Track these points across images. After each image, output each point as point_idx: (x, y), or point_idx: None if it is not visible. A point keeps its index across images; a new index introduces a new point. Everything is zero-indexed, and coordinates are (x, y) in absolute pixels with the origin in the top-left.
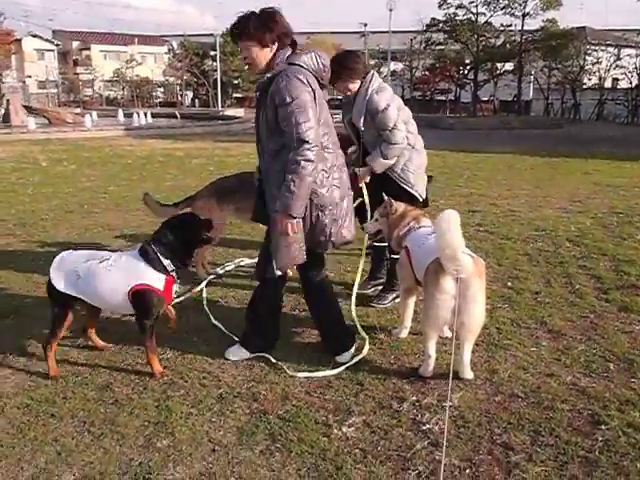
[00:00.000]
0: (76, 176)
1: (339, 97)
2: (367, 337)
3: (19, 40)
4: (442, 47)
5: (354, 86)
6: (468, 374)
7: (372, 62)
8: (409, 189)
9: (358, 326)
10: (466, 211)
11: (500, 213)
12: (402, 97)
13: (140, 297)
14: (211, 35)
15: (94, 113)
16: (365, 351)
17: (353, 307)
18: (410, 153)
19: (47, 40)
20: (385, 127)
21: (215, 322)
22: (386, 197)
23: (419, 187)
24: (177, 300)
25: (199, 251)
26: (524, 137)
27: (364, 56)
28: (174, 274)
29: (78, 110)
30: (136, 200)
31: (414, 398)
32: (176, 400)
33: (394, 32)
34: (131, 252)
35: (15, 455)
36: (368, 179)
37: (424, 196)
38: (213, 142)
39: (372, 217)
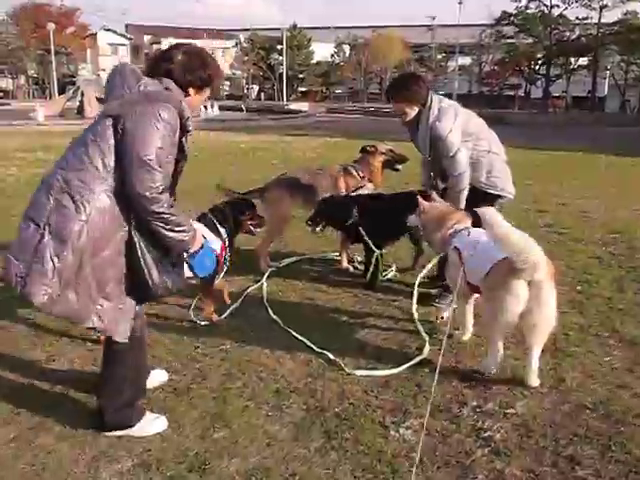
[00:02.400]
0: None
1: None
2: (427, 337)
3: (94, 34)
4: (513, 41)
5: (411, 112)
6: (534, 381)
7: (439, 56)
8: (498, 193)
9: (419, 326)
10: (535, 211)
11: (571, 214)
12: (469, 92)
13: None
14: (278, 29)
15: None
16: (426, 352)
17: (414, 307)
18: (489, 159)
19: (120, 34)
20: (447, 154)
21: (274, 316)
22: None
23: (508, 186)
24: (251, 289)
25: (261, 245)
26: (598, 135)
27: (432, 50)
28: (226, 241)
29: None
30: (203, 191)
31: (475, 403)
32: (233, 392)
33: (463, 25)
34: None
35: (79, 437)
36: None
37: (514, 192)
38: (278, 135)
39: None
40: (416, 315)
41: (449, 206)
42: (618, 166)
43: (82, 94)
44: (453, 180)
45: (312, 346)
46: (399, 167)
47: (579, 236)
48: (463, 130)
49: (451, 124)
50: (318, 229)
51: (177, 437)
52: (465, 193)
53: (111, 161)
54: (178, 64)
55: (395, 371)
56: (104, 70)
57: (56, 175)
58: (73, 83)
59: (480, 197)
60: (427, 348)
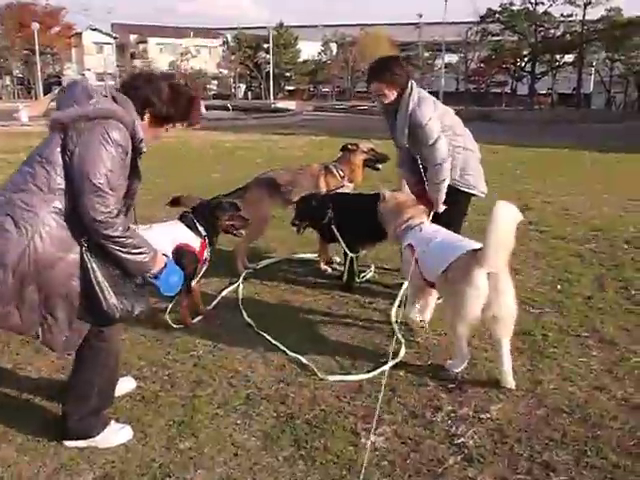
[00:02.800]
0: None
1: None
2: (404, 341)
3: (79, 34)
4: (498, 38)
5: (390, 94)
6: (509, 382)
7: (426, 54)
8: (471, 191)
9: (396, 328)
10: (518, 208)
11: (554, 211)
12: (456, 90)
13: (181, 255)
14: (264, 28)
15: None
16: (401, 355)
17: (394, 308)
18: (464, 156)
19: (106, 33)
20: (426, 142)
21: (248, 320)
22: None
23: (480, 185)
24: (226, 291)
25: (239, 246)
26: (583, 131)
27: (419, 48)
28: (207, 239)
29: None
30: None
31: (449, 408)
32: (203, 400)
33: (449, 23)
34: (169, 222)
35: (41, 449)
36: (442, 208)
37: (486, 191)
38: (263, 134)
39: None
40: (394, 317)
41: (410, 199)
42: (603, 162)
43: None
44: (433, 170)
45: (285, 350)
46: (379, 166)
47: (561, 234)
48: (441, 122)
49: (431, 112)
50: (300, 229)
51: (142, 447)
52: (446, 183)
53: (58, 183)
54: (162, 94)
55: (369, 376)
56: (89, 70)
57: (0, 195)
58: (59, 83)
59: (452, 195)
60: (403, 351)
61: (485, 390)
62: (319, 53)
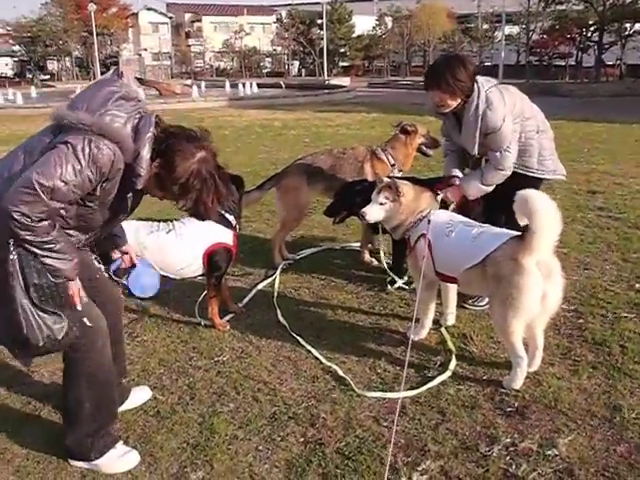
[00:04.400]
0: None
1: None
2: (454, 350)
3: (135, 14)
4: (563, 7)
5: (453, 103)
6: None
7: (486, 26)
8: (555, 176)
9: (445, 334)
10: (585, 191)
11: (627, 195)
12: (517, 63)
13: (216, 256)
14: (318, 3)
15: (203, 84)
16: (451, 368)
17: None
18: (539, 140)
19: (161, 13)
20: (497, 148)
21: (282, 320)
22: (385, 179)
23: (559, 167)
24: (258, 287)
25: (276, 236)
26: None
27: (478, 19)
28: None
29: (189, 81)
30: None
31: (508, 440)
32: (223, 417)
33: None
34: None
35: (37, 474)
36: (454, 200)
37: (565, 172)
38: (313, 112)
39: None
40: (444, 321)
41: (416, 187)
42: None
43: (121, 74)
44: (492, 173)
45: (320, 358)
46: (431, 152)
47: (637, 221)
48: (512, 112)
49: (503, 109)
50: (338, 220)
51: (149, 475)
52: (486, 190)
53: None
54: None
55: (413, 393)
56: (146, 50)
57: None
58: (117, 63)
59: (530, 184)
60: (453, 362)
61: (551, 416)
62: (374, 27)
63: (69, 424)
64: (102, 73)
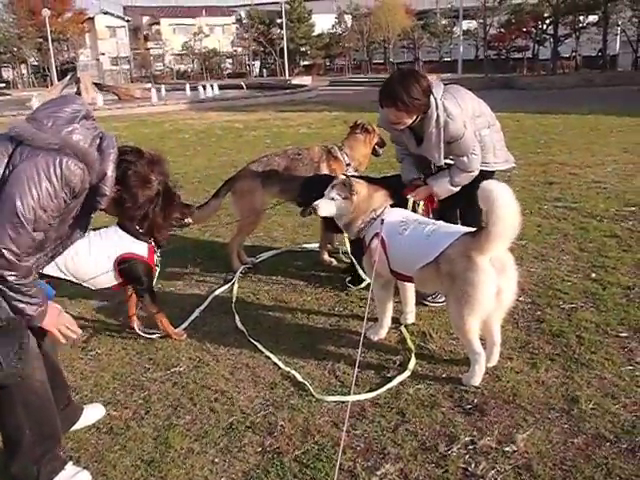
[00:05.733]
0: None
1: None
2: (414, 348)
3: (91, 18)
4: (518, 1)
5: (409, 121)
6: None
7: (444, 21)
8: (507, 166)
9: (405, 333)
10: (542, 183)
11: (583, 185)
12: (476, 57)
13: (127, 266)
14: (277, 3)
15: (163, 87)
16: (411, 366)
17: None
18: (490, 134)
19: (118, 17)
20: (463, 153)
21: (240, 325)
22: (341, 176)
23: (510, 156)
24: (215, 294)
25: (233, 240)
26: (610, 95)
27: (436, 15)
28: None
29: (148, 85)
30: (184, 179)
31: (467, 438)
32: (178, 431)
33: None
34: (110, 228)
35: None
36: (420, 199)
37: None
38: (275, 112)
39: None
40: (404, 319)
41: (370, 186)
42: (632, 129)
43: (78, 80)
44: (462, 175)
45: (279, 363)
46: (380, 151)
47: (592, 211)
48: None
49: (462, 116)
50: (306, 212)
51: None
52: (454, 190)
53: None
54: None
55: (372, 395)
56: (104, 54)
57: None
58: (74, 69)
59: (486, 178)
60: (413, 361)
61: (510, 411)
62: (333, 26)
63: (11, 452)
64: (59, 79)
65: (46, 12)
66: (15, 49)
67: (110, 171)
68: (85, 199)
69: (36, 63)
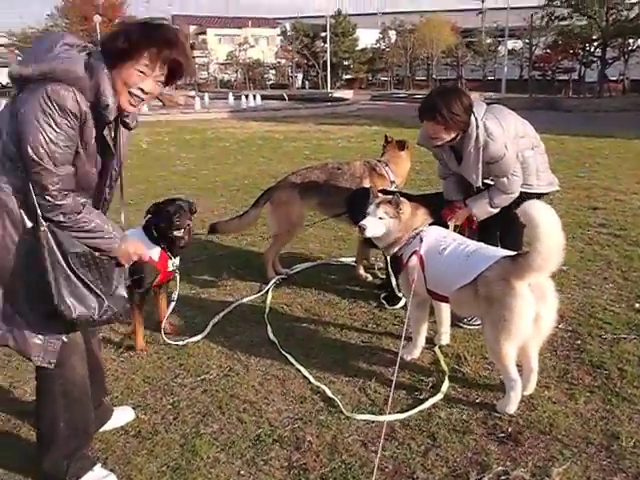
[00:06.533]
0: (172, 159)
1: None
2: (447, 370)
3: None
4: (566, 22)
5: (447, 137)
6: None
7: (489, 40)
8: (549, 189)
9: (439, 354)
10: (586, 208)
11: (628, 211)
12: (520, 77)
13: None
14: (322, 17)
15: (206, 96)
16: (444, 389)
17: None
18: (534, 156)
19: None
20: (503, 174)
21: (272, 336)
22: (381, 195)
23: (554, 178)
24: (241, 301)
25: (269, 250)
26: None
27: (481, 34)
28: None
29: (192, 93)
30: (224, 186)
31: (500, 468)
32: (206, 439)
33: (513, 8)
34: (136, 229)
35: None
36: (460, 222)
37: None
38: (315, 125)
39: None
40: (438, 340)
41: (410, 204)
42: None
43: None
44: (501, 197)
45: (309, 377)
46: None
47: (638, 239)
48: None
49: (503, 137)
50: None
51: None
52: (493, 212)
53: (11, 150)
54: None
55: (403, 416)
56: None
57: None
58: None
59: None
60: (446, 384)
61: (546, 443)
62: (377, 41)
63: (44, 445)
64: None
65: (97, 18)
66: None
67: (104, 83)
68: (95, 118)
69: None
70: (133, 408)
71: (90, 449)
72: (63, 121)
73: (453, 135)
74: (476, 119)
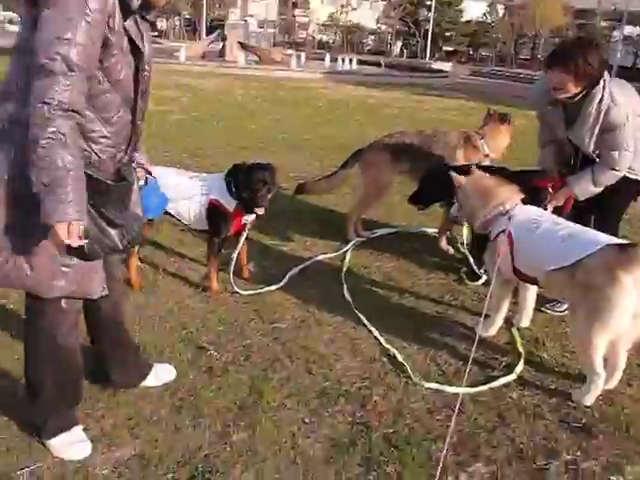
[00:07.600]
0: (264, 114)
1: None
2: (523, 353)
3: None
4: None
5: (573, 89)
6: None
7: (604, 24)
8: None
9: (516, 335)
10: None
11: None
12: (633, 65)
13: (212, 212)
14: None
15: (302, 55)
16: (518, 370)
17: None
18: None
19: None
20: (616, 147)
21: (347, 295)
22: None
23: None
24: (319, 257)
25: (352, 210)
26: None
27: (596, 17)
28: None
29: (289, 51)
30: (311, 145)
31: (569, 457)
32: (273, 384)
33: None
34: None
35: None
36: (560, 203)
37: None
38: (410, 94)
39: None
40: (517, 321)
41: (495, 179)
42: None
43: (225, 38)
44: (606, 174)
45: (380, 339)
46: None
47: None
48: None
49: (626, 107)
50: (421, 207)
51: (192, 432)
52: (595, 192)
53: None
54: None
55: (473, 390)
56: (252, 16)
57: None
58: (223, 27)
59: (632, 187)
60: (521, 365)
61: (620, 441)
62: (484, 14)
63: (29, 393)
64: (207, 35)
65: None
66: (171, 1)
67: None
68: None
69: (189, 16)
70: (207, 345)
71: (75, 412)
72: (95, 20)
73: (580, 89)
74: (605, 81)
